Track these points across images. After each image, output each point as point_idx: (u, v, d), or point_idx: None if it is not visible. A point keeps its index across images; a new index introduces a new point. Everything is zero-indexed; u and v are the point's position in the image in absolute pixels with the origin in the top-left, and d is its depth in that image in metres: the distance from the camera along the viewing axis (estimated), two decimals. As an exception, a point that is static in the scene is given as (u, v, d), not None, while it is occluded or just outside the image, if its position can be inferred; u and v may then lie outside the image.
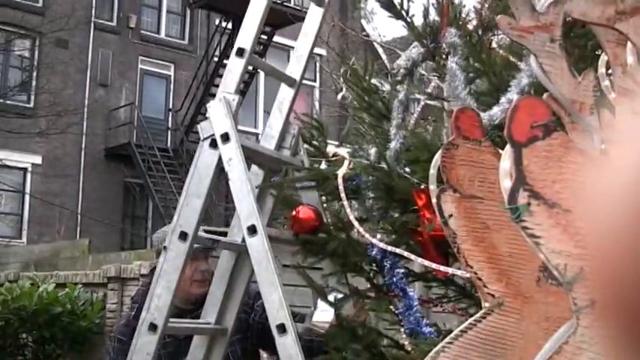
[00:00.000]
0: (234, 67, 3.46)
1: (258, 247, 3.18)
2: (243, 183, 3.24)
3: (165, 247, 3.35)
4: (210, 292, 3.67)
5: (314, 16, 3.83)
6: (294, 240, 3.43)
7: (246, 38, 3.50)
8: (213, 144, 3.33)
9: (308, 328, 3.51)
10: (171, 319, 3.39)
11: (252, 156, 3.60)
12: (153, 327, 3.27)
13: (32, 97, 23.02)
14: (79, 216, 22.32)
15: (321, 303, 3.43)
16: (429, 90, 3.63)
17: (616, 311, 0.91)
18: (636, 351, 0.89)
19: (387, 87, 3.67)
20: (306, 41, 3.78)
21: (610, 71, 2.08)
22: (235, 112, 3.38)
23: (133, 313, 3.86)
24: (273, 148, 3.66)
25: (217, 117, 3.34)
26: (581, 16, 1.76)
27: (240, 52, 3.49)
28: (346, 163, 3.38)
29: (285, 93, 3.75)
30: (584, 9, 1.75)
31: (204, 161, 3.36)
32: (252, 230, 3.19)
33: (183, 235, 3.30)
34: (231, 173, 3.26)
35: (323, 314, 3.47)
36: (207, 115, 3.38)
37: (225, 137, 3.29)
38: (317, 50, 20.48)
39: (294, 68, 3.79)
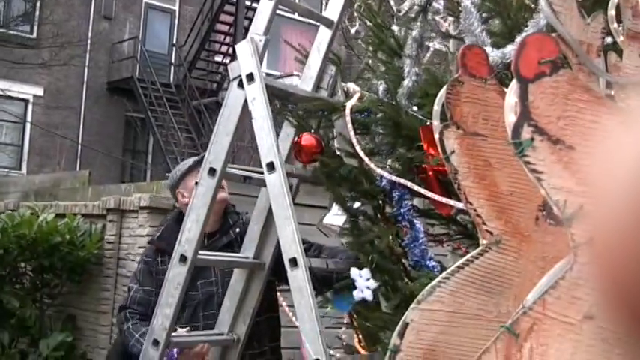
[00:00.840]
0: (264, 9, 3.51)
1: (276, 182, 3.27)
2: (264, 121, 3.31)
3: (196, 183, 3.51)
4: (249, 227, 3.84)
5: None
6: (312, 176, 3.51)
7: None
8: (241, 84, 3.41)
9: (325, 261, 3.59)
10: (201, 252, 3.54)
11: (286, 97, 3.70)
12: (183, 258, 3.43)
13: (35, 28, 22.86)
14: (79, 147, 22.32)
15: (334, 207, 3.51)
16: (443, 30, 3.62)
17: (614, 249, 0.92)
18: (634, 291, 0.90)
19: (396, 28, 3.66)
20: None
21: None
22: (262, 53, 3.45)
23: (158, 234, 4.02)
24: (311, 88, 3.73)
25: (244, 57, 3.41)
26: (594, -46, 1.75)
27: None
28: (356, 95, 3.40)
29: (324, 34, 3.79)
30: (598, -53, 1.74)
31: (231, 100, 3.47)
32: (271, 167, 3.28)
33: (212, 172, 3.44)
34: (254, 112, 3.35)
35: (335, 218, 3.54)
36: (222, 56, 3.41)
37: (250, 77, 3.37)
38: (323, -10, 20.33)
39: (332, 9, 3.81)
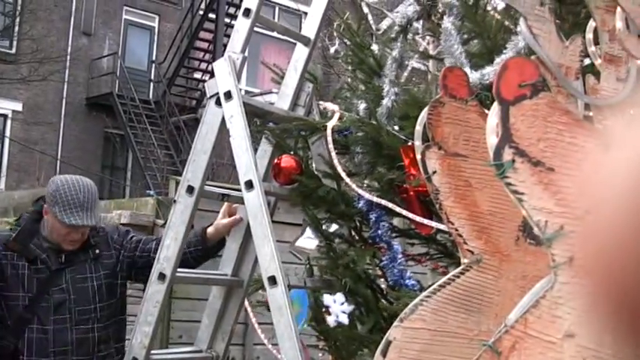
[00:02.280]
0: (241, 27, 3.52)
1: (254, 201, 3.29)
2: (242, 140, 3.33)
3: (174, 201, 3.51)
4: (227, 245, 3.86)
5: None
6: (289, 195, 3.53)
7: (251, 2, 3.53)
8: (218, 102, 3.43)
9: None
10: (180, 269, 3.55)
11: (264, 115, 3.71)
12: (162, 276, 3.45)
13: (14, 43, 22.78)
14: (58, 163, 22.24)
15: (307, 230, 3.53)
16: (421, 49, 3.66)
17: (598, 268, 0.94)
18: (615, 307, 0.92)
19: (375, 47, 3.69)
20: (321, 1, 3.81)
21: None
22: (240, 71, 3.48)
23: (14, 235, 3.91)
24: (288, 106, 3.76)
25: (221, 75, 3.42)
26: (573, -21, 1.78)
27: (247, 13, 3.56)
28: (336, 115, 3.43)
29: (300, 52, 3.81)
30: (577, -28, 1.78)
31: (209, 118, 3.48)
32: (249, 185, 3.30)
33: (190, 189, 3.46)
34: (232, 130, 3.36)
35: (307, 241, 3.56)
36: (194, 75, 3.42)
37: (228, 95, 3.39)
38: (302, 8, 20.40)
39: (309, 27, 3.83)
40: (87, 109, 23.85)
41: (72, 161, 21.71)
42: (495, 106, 1.57)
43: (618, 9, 1.76)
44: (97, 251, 3.98)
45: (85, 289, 3.89)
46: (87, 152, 23.01)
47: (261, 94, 17.40)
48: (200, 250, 3.83)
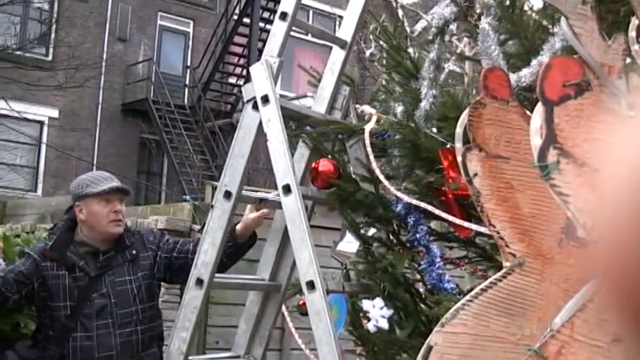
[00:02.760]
0: (278, 31, 3.51)
1: (292, 205, 3.27)
2: (280, 144, 3.32)
3: (212, 206, 3.50)
4: (265, 249, 3.84)
5: None
6: (327, 199, 3.51)
7: (289, 2, 3.53)
8: (255, 106, 3.42)
9: None
10: (217, 274, 3.54)
11: (301, 118, 3.70)
12: (199, 282, 3.43)
13: (51, 50, 22.93)
14: (94, 169, 22.39)
15: (348, 235, 3.52)
16: (459, 51, 3.64)
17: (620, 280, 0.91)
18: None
19: (410, 50, 3.67)
20: (357, 3, 3.80)
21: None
22: (277, 75, 3.47)
23: (50, 244, 3.95)
24: (324, 109, 3.74)
25: (258, 79, 3.42)
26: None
27: (284, 16, 3.55)
28: (374, 118, 3.41)
29: (337, 55, 3.80)
30: (621, -31, 1.74)
31: (246, 123, 3.47)
32: (287, 189, 3.29)
33: (227, 194, 3.45)
34: (270, 134, 3.36)
35: (348, 245, 3.54)
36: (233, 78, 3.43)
37: (265, 99, 3.37)
38: (337, 11, 20.39)
39: (345, 30, 3.82)
40: (122, 114, 23.98)
41: (108, 167, 21.82)
42: (539, 107, 1.54)
43: (664, 6, 1.73)
44: (134, 252, 3.99)
45: (125, 292, 3.89)
46: (123, 158, 23.13)
47: (296, 97, 17.42)
48: (231, 246, 3.82)
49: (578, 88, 1.53)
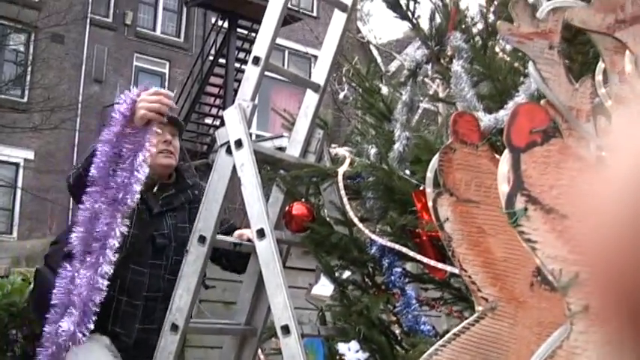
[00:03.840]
0: (251, 75, 3.51)
1: (266, 249, 3.27)
2: (254, 188, 3.32)
3: (186, 251, 3.46)
4: (241, 294, 3.82)
5: (337, 21, 3.86)
6: (301, 243, 3.51)
7: (262, 46, 3.55)
8: (229, 150, 3.42)
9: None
10: (192, 320, 3.52)
11: (275, 162, 3.72)
12: (174, 327, 3.40)
13: (26, 92, 22.91)
14: (70, 212, 22.26)
15: (322, 278, 3.51)
16: (431, 92, 3.66)
17: (616, 316, 0.92)
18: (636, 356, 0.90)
19: (385, 89, 3.69)
20: (330, 46, 3.82)
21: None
22: (250, 119, 3.47)
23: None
24: (298, 152, 3.76)
25: (232, 123, 3.42)
26: (582, 23, 1.77)
27: (256, 61, 3.55)
28: (347, 161, 3.42)
29: (310, 98, 3.81)
30: (585, 17, 1.77)
31: (220, 167, 3.47)
32: (261, 234, 3.28)
33: (202, 239, 3.43)
34: (243, 178, 3.35)
35: (323, 288, 3.54)
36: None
37: (239, 143, 3.37)
38: (312, 51, 20.49)
39: (319, 73, 3.83)
40: (99, 156, 23.92)
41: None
42: (506, 153, 1.55)
43: (627, 52, 1.75)
44: (197, 192, 3.91)
45: (184, 238, 3.69)
46: (99, 199, 23.02)
47: (271, 138, 17.45)
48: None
49: (544, 135, 1.55)
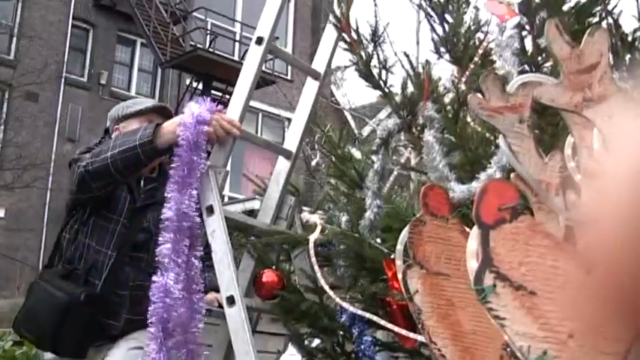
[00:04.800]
0: (223, 141, 3.50)
1: (236, 317, 3.25)
2: (224, 255, 3.31)
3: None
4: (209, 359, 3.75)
5: (310, 88, 3.89)
6: (271, 310, 3.50)
7: (235, 110, 3.55)
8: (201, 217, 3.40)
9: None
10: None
11: (246, 228, 3.70)
12: None
13: (-2, 150, 22.86)
14: (39, 272, 22.04)
15: (290, 347, 3.50)
16: (403, 160, 3.68)
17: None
18: None
19: (358, 154, 3.71)
20: (302, 114, 3.84)
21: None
22: (222, 186, 3.47)
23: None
24: (270, 219, 3.74)
25: (203, 190, 3.40)
26: (550, 101, 1.80)
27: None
28: (318, 229, 3.42)
29: (282, 165, 3.81)
30: (553, 94, 1.79)
31: None
32: (231, 301, 3.27)
33: None
34: (214, 245, 3.34)
35: (291, 358, 3.52)
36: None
37: (210, 210, 3.36)
38: (286, 114, 20.60)
39: (291, 140, 3.84)
40: (70, 215, 23.77)
41: (54, 268, 21.51)
42: (475, 230, 1.56)
43: (595, 130, 1.77)
44: None
45: None
46: (69, 259, 22.83)
47: (244, 200, 17.44)
48: None
49: (513, 212, 1.56)
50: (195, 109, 3.39)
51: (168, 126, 3.44)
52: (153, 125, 3.46)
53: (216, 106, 3.47)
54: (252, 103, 3.64)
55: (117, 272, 3.71)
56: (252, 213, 4.74)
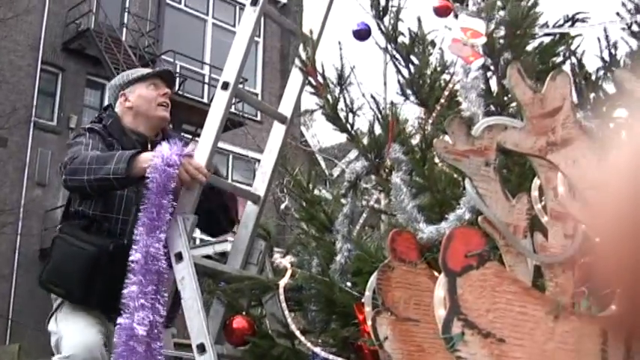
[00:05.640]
0: (191, 187, 3.46)
1: None
2: (194, 301, 3.29)
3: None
4: None
5: (277, 132, 3.88)
6: (242, 357, 3.46)
7: (202, 155, 3.51)
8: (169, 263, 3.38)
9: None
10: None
11: (216, 274, 3.67)
12: None
13: (-33, 196, 22.67)
14: (10, 316, 21.80)
15: None
16: (372, 202, 3.67)
17: None
18: None
19: (327, 195, 3.70)
20: (270, 158, 3.83)
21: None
22: (191, 232, 3.44)
23: (109, 123, 3.91)
24: (239, 264, 3.70)
25: (172, 237, 3.37)
26: (514, 146, 1.80)
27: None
28: (288, 273, 3.40)
29: (251, 209, 3.78)
30: (517, 140, 1.79)
31: None
32: (202, 349, 3.24)
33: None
34: (183, 292, 3.31)
35: None
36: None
37: (179, 257, 3.33)
38: (256, 156, 20.58)
39: (259, 185, 3.82)
40: (40, 261, 23.53)
41: (24, 314, 21.29)
42: (442, 278, 1.55)
43: (559, 174, 1.78)
44: None
45: None
46: (40, 306, 22.59)
47: (215, 242, 17.35)
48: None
49: (480, 258, 1.56)
50: (166, 151, 3.39)
51: (142, 162, 3.43)
52: (127, 158, 3.44)
53: (186, 148, 3.46)
54: (223, 145, 3.65)
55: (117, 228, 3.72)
56: (223, 255, 4.72)
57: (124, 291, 3.25)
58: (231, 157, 25.36)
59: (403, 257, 2.01)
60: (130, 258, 3.28)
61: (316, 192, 3.78)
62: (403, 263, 2.00)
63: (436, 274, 1.94)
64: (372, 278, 2.06)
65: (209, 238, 20.52)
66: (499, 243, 1.95)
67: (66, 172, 3.63)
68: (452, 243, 1.56)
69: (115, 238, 3.67)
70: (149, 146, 3.86)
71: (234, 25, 26.80)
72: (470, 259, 1.55)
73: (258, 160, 22.77)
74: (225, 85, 3.53)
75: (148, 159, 3.40)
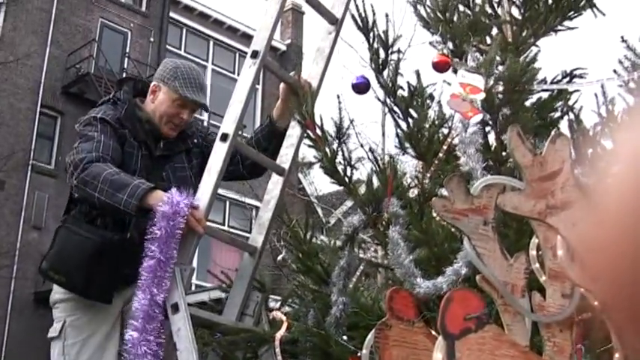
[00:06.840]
0: (189, 238, 3.45)
1: None
2: (189, 354, 3.25)
3: None
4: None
5: (275, 184, 3.87)
6: None
7: (202, 201, 3.50)
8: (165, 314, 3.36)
9: None
10: None
11: (212, 326, 3.64)
12: None
13: (-37, 240, 22.63)
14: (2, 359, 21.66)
15: None
16: (369, 256, 3.67)
17: None
18: None
19: (325, 240, 3.69)
20: (268, 210, 3.81)
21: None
22: (188, 283, 3.43)
23: (123, 112, 3.86)
24: (235, 316, 3.66)
25: (169, 287, 3.35)
26: (513, 209, 1.81)
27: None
28: (284, 325, 3.38)
29: (247, 261, 3.77)
30: (516, 203, 1.80)
31: None
32: None
33: None
34: (179, 344, 3.27)
35: None
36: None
37: (175, 308, 3.31)
38: (254, 203, 20.58)
39: (256, 236, 3.80)
40: (35, 304, 23.43)
41: (18, 357, 21.17)
42: (440, 341, 1.54)
43: (559, 237, 1.78)
44: (195, 141, 3.96)
45: (185, 178, 3.81)
46: (34, 349, 22.46)
47: (211, 289, 17.29)
48: (267, 128, 3.96)
49: (478, 321, 1.55)
50: (177, 198, 3.39)
51: (153, 200, 3.42)
52: (139, 195, 3.44)
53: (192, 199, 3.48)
54: (220, 191, 3.63)
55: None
56: (219, 302, 4.70)
57: (126, 336, 3.25)
58: (228, 203, 25.36)
59: (401, 315, 2.00)
60: (134, 304, 3.27)
61: (313, 241, 3.77)
62: (401, 321, 1.99)
63: (434, 332, 1.94)
64: (370, 336, 2.05)
65: (205, 284, 20.47)
66: (497, 302, 1.94)
67: (77, 178, 3.58)
68: (450, 305, 1.56)
69: (119, 232, 3.66)
70: (162, 144, 3.88)
71: (233, 72, 26.99)
72: (468, 322, 1.54)
73: (256, 207, 22.76)
74: (224, 137, 3.53)
75: (159, 199, 3.40)
